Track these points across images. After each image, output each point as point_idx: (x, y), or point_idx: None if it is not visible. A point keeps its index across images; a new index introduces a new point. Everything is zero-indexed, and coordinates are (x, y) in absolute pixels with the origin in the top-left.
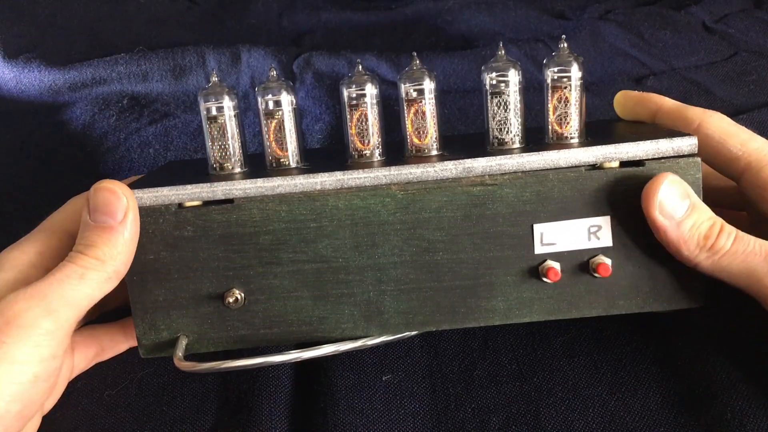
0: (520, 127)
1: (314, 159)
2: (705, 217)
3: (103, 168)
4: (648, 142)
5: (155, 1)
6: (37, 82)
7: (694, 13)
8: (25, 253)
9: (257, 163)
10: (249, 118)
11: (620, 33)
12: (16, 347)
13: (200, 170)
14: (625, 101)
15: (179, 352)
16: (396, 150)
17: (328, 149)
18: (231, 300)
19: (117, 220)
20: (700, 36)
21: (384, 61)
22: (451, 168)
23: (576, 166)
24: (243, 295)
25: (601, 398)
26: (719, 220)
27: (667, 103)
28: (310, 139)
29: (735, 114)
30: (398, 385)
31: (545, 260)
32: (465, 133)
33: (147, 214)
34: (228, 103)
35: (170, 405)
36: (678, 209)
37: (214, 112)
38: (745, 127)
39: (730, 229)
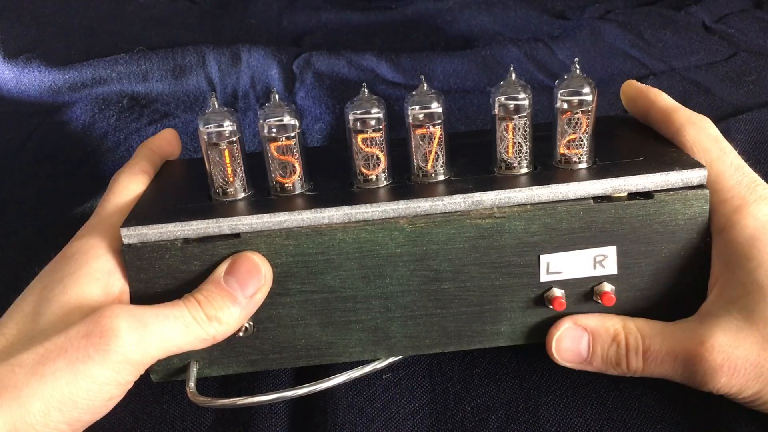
0: (528, 151)
1: (317, 176)
2: (607, 341)
3: (103, 168)
4: (657, 174)
5: (155, 1)
6: (37, 82)
7: (694, 13)
8: (133, 179)
9: (260, 183)
10: (249, 118)
11: (620, 33)
12: (100, 369)
13: (200, 185)
14: (629, 91)
15: (191, 382)
16: (400, 145)
17: (328, 149)
18: (240, 331)
19: (246, 295)
20: (700, 36)
21: (384, 61)
22: (460, 201)
23: (584, 198)
24: (252, 323)
25: (599, 395)
26: (622, 338)
27: (660, 101)
28: (310, 138)
29: (735, 114)
30: (398, 384)
31: (551, 288)
32: (466, 131)
33: (153, 249)
34: (229, 128)
35: (170, 403)
36: (581, 352)
37: (214, 138)
38: (745, 127)
39: (635, 343)
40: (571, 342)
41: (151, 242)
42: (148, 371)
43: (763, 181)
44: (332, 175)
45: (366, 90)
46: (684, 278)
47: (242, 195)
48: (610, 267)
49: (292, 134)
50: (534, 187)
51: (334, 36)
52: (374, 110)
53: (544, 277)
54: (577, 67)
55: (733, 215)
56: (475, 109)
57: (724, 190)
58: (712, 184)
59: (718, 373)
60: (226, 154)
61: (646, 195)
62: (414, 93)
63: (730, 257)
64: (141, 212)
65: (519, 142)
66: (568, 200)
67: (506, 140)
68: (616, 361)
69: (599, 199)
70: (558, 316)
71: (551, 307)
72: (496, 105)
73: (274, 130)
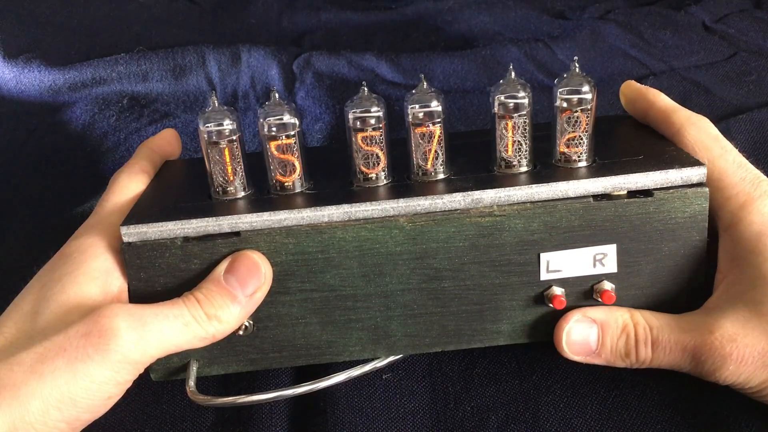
0: (528, 150)
1: (317, 175)
2: (617, 332)
3: (103, 168)
4: (657, 172)
5: (155, 1)
6: (37, 82)
7: (694, 13)
8: (133, 178)
9: (259, 183)
10: (249, 118)
11: (620, 33)
12: (99, 368)
13: (200, 184)
14: (628, 92)
15: (191, 381)
16: (400, 145)
17: (328, 149)
18: (240, 329)
19: (246, 294)
20: (700, 36)
21: (384, 61)
22: (460, 199)
23: (584, 196)
24: (252, 322)
25: (599, 396)
26: (631, 329)
27: (659, 102)
28: (310, 138)
29: (735, 114)
30: (398, 384)
31: (550, 286)
32: (466, 131)
33: (153, 248)
34: (229, 127)
35: (170, 403)
36: (590, 344)
37: (215, 136)
38: (745, 126)
39: (644, 334)
40: (581, 334)
41: (151, 240)
42: (147, 370)
43: (766, 177)
44: (332, 174)
45: (366, 89)
46: (684, 276)
47: (242, 194)
48: (610, 265)
49: (292, 133)
50: (534, 186)
51: (334, 36)
52: (374, 109)
53: (544, 276)
54: (577, 65)
55: (738, 211)
56: (475, 109)
57: (729, 187)
58: (716, 181)
59: (726, 362)
60: (226, 152)
61: (646, 193)
62: (414, 92)
63: (737, 253)
64: (141, 211)
65: (518, 141)
66: (567, 198)
67: (506, 139)
68: (626, 352)
69: (599, 197)
70: (558, 315)
71: (551, 305)
72: (496, 103)
73: (274, 128)
